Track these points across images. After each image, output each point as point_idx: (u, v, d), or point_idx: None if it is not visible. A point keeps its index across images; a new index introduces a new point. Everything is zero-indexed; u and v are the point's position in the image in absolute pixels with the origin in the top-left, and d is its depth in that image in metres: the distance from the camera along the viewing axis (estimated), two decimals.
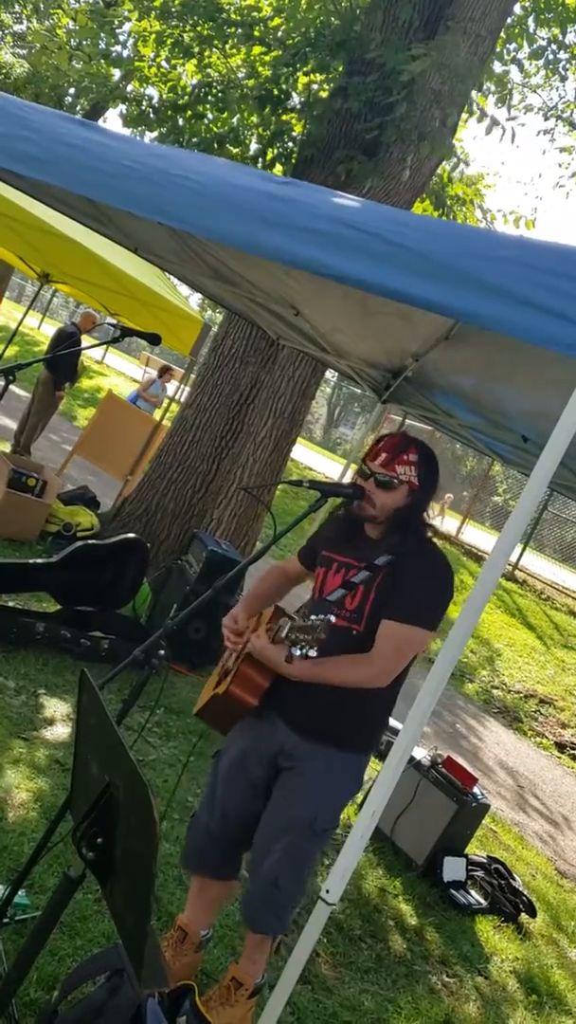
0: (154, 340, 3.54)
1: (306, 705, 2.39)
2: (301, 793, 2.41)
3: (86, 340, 9.73)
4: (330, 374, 7.64)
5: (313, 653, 2.10)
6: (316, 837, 2.44)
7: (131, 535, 5.38)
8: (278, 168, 7.39)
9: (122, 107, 7.99)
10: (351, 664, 2.33)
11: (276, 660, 2.28)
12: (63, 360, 9.32)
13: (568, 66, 9.73)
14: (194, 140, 7.57)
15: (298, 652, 2.09)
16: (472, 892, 4.32)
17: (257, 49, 7.56)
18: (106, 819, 1.66)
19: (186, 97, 7.77)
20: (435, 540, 2.49)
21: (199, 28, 7.69)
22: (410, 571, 2.33)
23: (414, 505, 2.41)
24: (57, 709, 4.12)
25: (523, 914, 4.45)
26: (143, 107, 7.84)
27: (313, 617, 2.10)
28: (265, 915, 2.50)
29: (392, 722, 2.98)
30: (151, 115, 7.78)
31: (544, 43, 9.00)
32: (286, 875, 2.43)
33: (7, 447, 9.02)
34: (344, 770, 2.45)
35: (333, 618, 2.09)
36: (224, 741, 2.67)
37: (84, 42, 9.06)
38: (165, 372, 13.44)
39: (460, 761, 4.65)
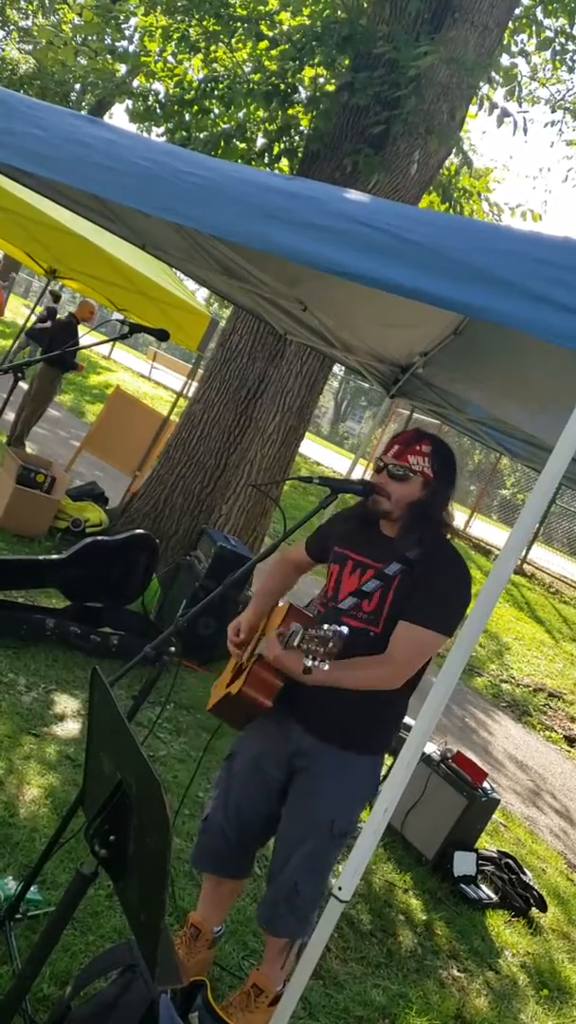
0: (162, 336, 3.53)
1: (320, 707, 2.36)
2: (319, 797, 2.38)
3: (92, 336, 9.64)
4: (336, 368, 7.61)
5: (326, 666, 2.06)
6: (335, 841, 2.42)
7: (140, 531, 5.40)
8: (284, 162, 7.36)
9: (128, 102, 7.99)
10: (365, 667, 2.29)
11: (294, 670, 2.23)
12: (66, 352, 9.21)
13: None
14: (201, 135, 7.55)
15: (311, 663, 2.06)
16: (482, 887, 4.33)
17: (263, 44, 7.53)
18: (119, 816, 1.66)
19: (192, 92, 7.75)
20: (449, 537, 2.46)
21: (205, 23, 7.66)
22: (429, 573, 2.29)
23: (430, 499, 2.37)
24: (67, 705, 4.14)
25: (534, 908, 4.45)
26: (149, 102, 7.82)
27: (326, 627, 2.06)
28: (287, 919, 2.48)
29: (407, 719, 2.97)
30: (157, 110, 7.77)
31: (552, 34, 8.92)
32: (305, 879, 2.41)
33: (3, 438, 8.96)
34: (361, 772, 2.42)
35: (346, 629, 2.05)
36: (235, 741, 2.65)
37: (90, 37, 9.03)
38: None
39: (470, 755, 4.65)
